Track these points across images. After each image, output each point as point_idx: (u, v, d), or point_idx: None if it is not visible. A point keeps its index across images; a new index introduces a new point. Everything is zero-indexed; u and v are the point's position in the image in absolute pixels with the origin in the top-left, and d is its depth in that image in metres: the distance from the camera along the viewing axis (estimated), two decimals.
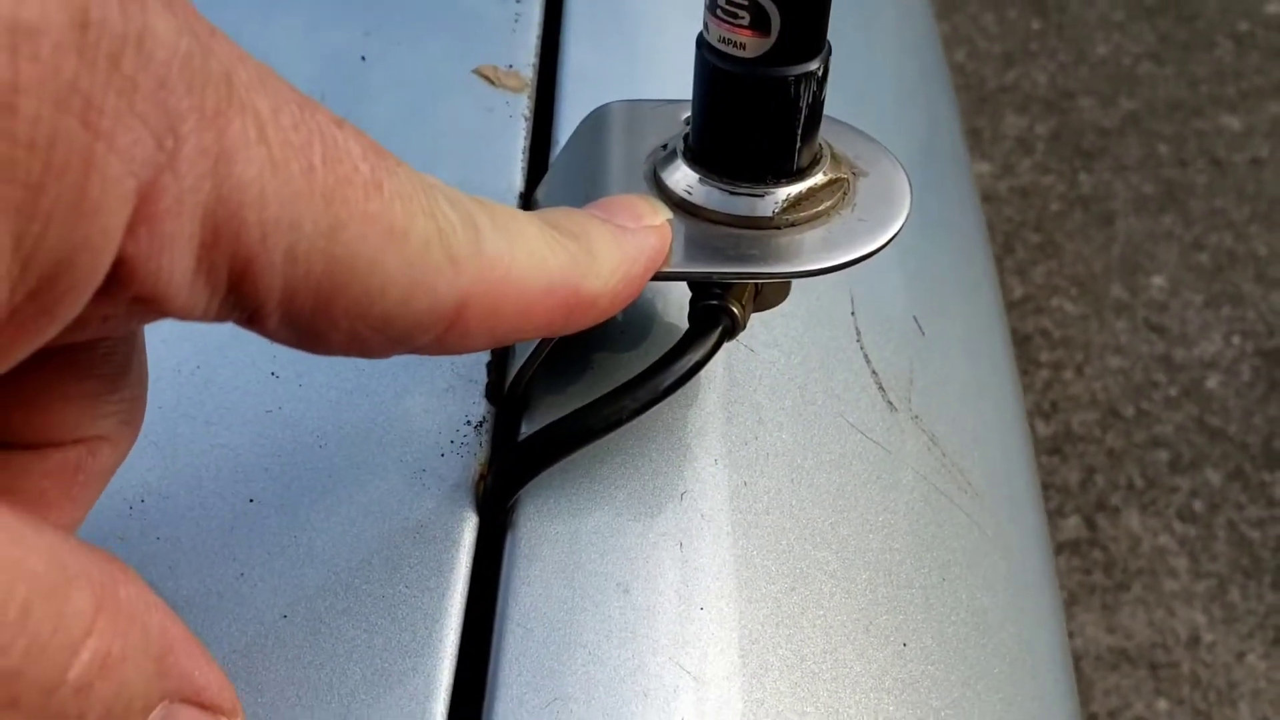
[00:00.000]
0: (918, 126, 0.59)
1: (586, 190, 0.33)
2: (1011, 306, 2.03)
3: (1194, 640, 1.63)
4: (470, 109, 0.39)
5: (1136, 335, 1.98)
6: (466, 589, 0.28)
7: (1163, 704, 1.58)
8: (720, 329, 0.31)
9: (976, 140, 2.32)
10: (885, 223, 0.31)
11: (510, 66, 0.40)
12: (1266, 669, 1.59)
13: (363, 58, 0.40)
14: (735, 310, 0.32)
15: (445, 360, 0.33)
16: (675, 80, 0.41)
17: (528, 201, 0.37)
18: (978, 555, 0.38)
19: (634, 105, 0.36)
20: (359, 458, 0.30)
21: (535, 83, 0.41)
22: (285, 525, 0.28)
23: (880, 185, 0.33)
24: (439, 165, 0.37)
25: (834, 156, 0.32)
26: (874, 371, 0.39)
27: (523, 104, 0.40)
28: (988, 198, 2.22)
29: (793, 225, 0.31)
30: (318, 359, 0.32)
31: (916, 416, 0.40)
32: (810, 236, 0.31)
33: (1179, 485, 1.78)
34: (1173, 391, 1.90)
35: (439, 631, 0.28)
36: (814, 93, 0.30)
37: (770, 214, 0.31)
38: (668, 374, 0.30)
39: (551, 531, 0.30)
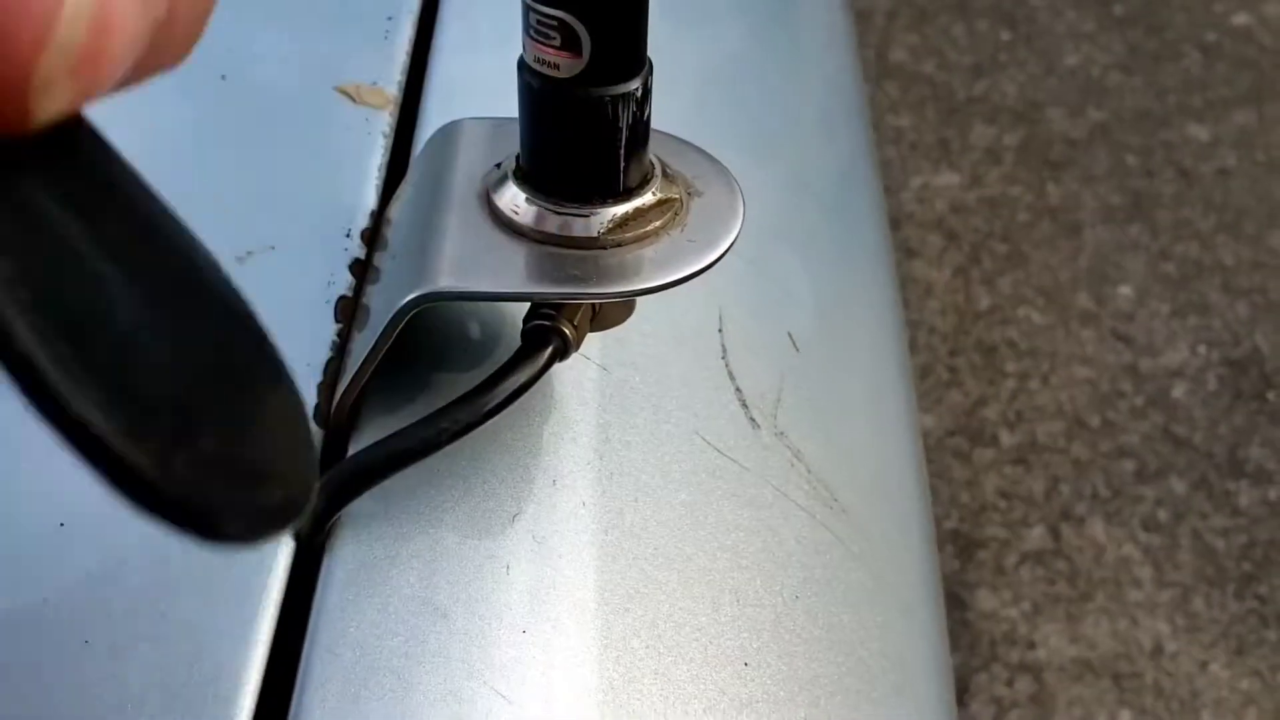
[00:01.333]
0: (826, 147, 0.59)
1: (428, 207, 0.33)
2: (978, 317, 2.03)
3: (1157, 650, 1.63)
4: (331, 127, 0.39)
5: (1103, 345, 1.98)
6: (276, 615, 0.28)
7: (1126, 714, 1.57)
8: (550, 349, 0.31)
9: (945, 151, 2.33)
10: (713, 243, 0.31)
11: (375, 83, 0.40)
12: (1229, 678, 1.59)
13: (222, 76, 0.39)
14: (567, 330, 0.32)
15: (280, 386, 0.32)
16: None
17: (379, 218, 0.37)
18: (839, 573, 0.38)
19: (485, 123, 0.36)
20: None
21: (400, 99, 0.41)
22: (93, 550, 0.28)
23: (714, 205, 0.32)
24: (293, 181, 0.37)
25: (667, 175, 0.32)
26: (738, 389, 0.39)
27: (384, 121, 0.40)
28: (956, 208, 2.22)
29: (619, 245, 0.31)
30: None
31: (781, 433, 0.39)
32: (637, 256, 0.31)
33: (1144, 495, 1.78)
34: (1139, 401, 1.90)
35: (244, 658, 0.27)
36: (634, 112, 0.30)
37: (597, 234, 0.31)
38: (492, 395, 0.30)
39: (370, 556, 0.30)
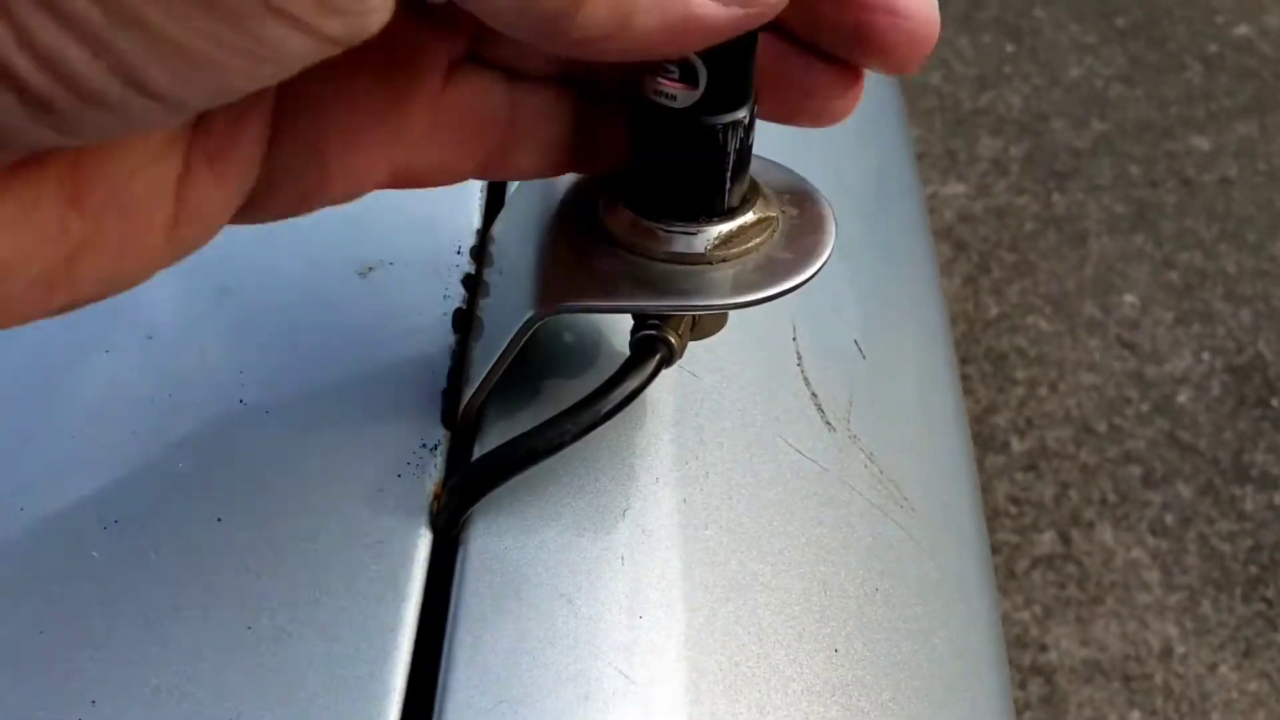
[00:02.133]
0: (870, 158, 0.61)
1: (538, 228, 0.36)
2: (987, 325, 2.06)
3: (1167, 652, 1.65)
4: None
5: (1109, 352, 2.01)
6: (420, 600, 0.31)
7: (1136, 715, 1.60)
8: (658, 357, 0.34)
9: (952, 162, 2.36)
10: (810, 258, 0.34)
11: None
12: (1238, 680, 1.62)
13: None
14: (672, 339, 0.34)
15: (405, 388, 0.35)
16: None
17: (485, 237, 0.40)
18: (911, 566, 0.41)
19: None
20: (321, 479, 0.32)
21: None
22: (251, 542, 0.31)
23: (807, 222, 0.35)
24: (402, 204, 0.40)
25: (764, 196, 0.35)
26: (813, 394, 0.42)
27: None
28: (964, 218, 2.25)
29: (724, 260, 0.33)
30: (283, 384, 0.34)
31: (854, 436, 0.42)
32: (740, 271, 0.33)
33: (1151, 500, 1.81)
34: (1144, 407, 1.93)
35: (394, 640, 0.30)
36: (741, 139, 0.32)
37: (703, 250, 0.33)
38: (608, 400, 0.33)
39: (500, 547, 0.32)
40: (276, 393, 0.34)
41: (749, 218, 0.34)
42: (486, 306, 0.37)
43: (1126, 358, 1.99)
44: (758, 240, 0.34)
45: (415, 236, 0.38)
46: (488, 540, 0.32)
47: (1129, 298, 2.09)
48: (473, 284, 0.38)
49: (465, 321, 0.37)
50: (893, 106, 0.68)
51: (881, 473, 0.42)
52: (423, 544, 0.32)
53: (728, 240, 0.33)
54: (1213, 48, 2.56)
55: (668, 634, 0.32)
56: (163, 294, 0.36)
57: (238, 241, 0.37)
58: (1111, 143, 2.37)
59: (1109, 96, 2.46)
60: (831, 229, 0.35)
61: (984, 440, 1.88)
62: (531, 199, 0.37)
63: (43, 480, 0.32)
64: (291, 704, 0.28)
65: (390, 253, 0.38)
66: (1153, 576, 1.73)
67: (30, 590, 0.30)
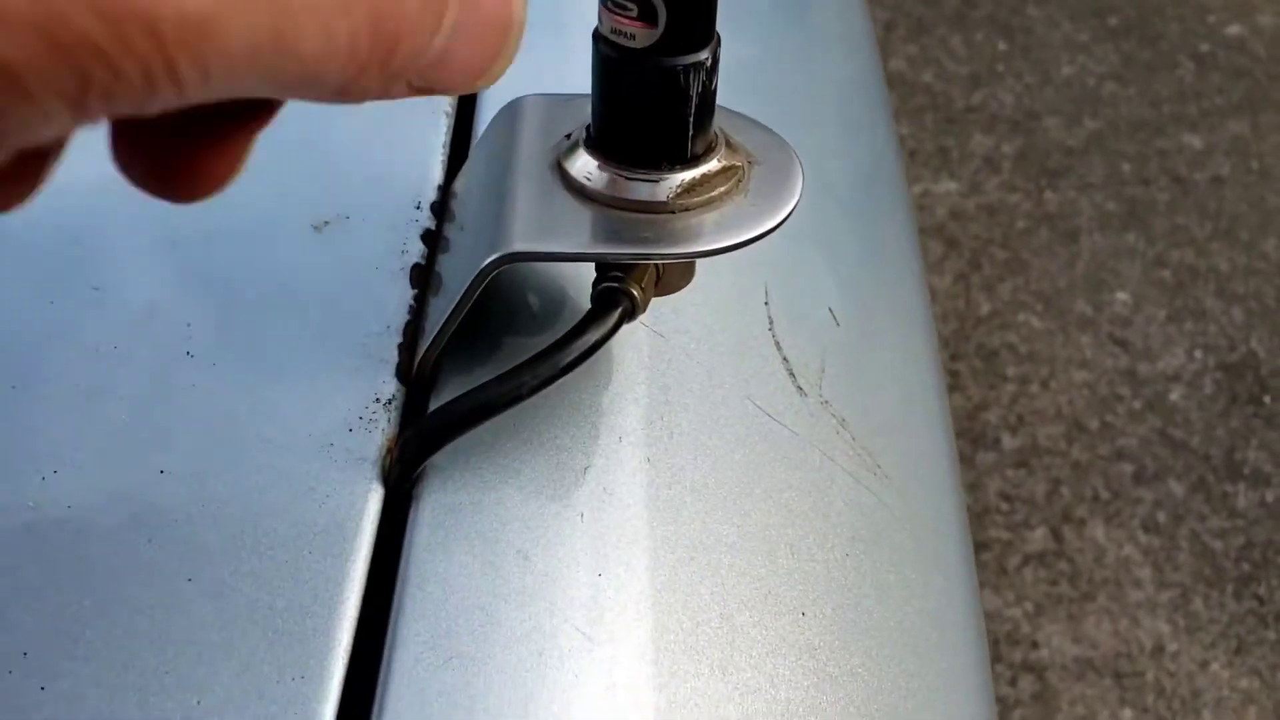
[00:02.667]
0: (853, 132, 0.61)
1: (498, 180, 0.35)
2: (979, 322, 2.05)
3: (1158, 649, 1.64)
4: (394, 105, 0.40)
5: (1101, 350, 2.00)
6: (370, 555, 0.30)
7: (1128, 713, 1.59)
8: (620, 310, 0.33)
9: (945, 160, 2.35)
10: (776, 207, 0.33)
11: None
12: (1229, 677, 1.61)
13: None
14: (635, 292, 0.33)
15: (359, 343, 0.34)
16: None
17: (446, 193, 0.39)
18: (884, 533, 0.40)
19: (547, 99, 0.37)
20: (269, 433, 0.31)
21: None
22: (194, 495, 0.30)
23: (774, 172, 0.34)
24: (364, 157, 0.39)
25: (730, 145, 0.34)
26: (785, 358, 0.41)
27: (445, 101, 0.41)
28: (955, 215, 2.24)
29: (687, 210, 0.32)
30: (232, 338, 0.33)
31: (826, 401, 0.41)
32: (704, 220, 0.32)
33: (1143, 497, 1.80)
34: (1136, 405, 1.92)
35: (340, 594, 0.29)
36: (704, 82, 0.31)
37: (665, 198, 0.32)
38: (567, 352, 0.32)
39: (455, 502, 0.31)
40: (225, 346, 0.33)
41: (713, 166, 0.33)
42: (446, 262, 0.36)
43: (1118, 355, 1.99)
44: (722, 189, 0.33)
45: (373, 190, 0.37)
46: (442, 495, 0.31)
47: (1121, 295, 2.09)
48: (433, 239, 0.37)
49: (424, 277, 0.36)
50: (876, 84, 0.67)
51: (854, 439, 0.41)
52: (374, 498, 0.31)
53: (690, 188, 0.32)
54: (1205, 46, 2.56)
55: (628, 592, 0.31)
56: (111, 247, 0.35)
57: None
58: (1103, 141, 2.36)
59: (1101, 94, 2.46)
60: (799, 179, 0.34)
61: (975, 437, 1.87)
62: (494, 150, 0.36)
63: None
64: (231, 658, 0.27)
65: (347, 207, 0.37)
66: (1144, 574, 1.72)
67: None
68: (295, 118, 0.40)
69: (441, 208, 0.38)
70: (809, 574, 0.35)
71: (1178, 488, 1.80)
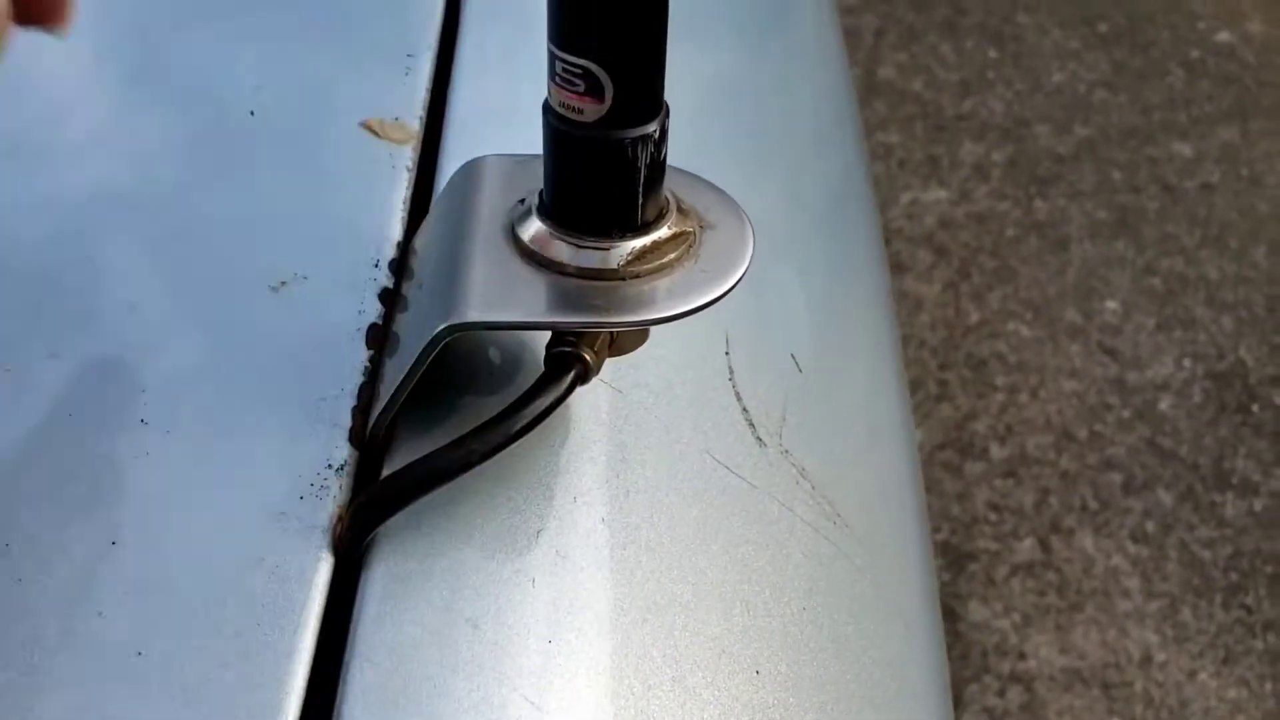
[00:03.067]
0: (823, 179, 0.61)
1: (454, 240, 0.35)
2: (968, 331, 2.06)
3: (1146, 660, 1.65)
4: (355, 160, 0.41)
5: (1090, 359, 2.01)
6: (319, 626, 0.30)
7: None
8: (572, 374, 0.33)
9: (934, 168, 2.36)
10: (726, 273, 0.33)
11: (397, 118, 0.42)
12: (1217, 688, 1.61)
13: (251, 112, 0.41)
14: (588, 356, 0.33)
15: (313, 406, 0.34)
16: None
17: (405, 249, 0.39)
18: (843, 584, 0.40)
19: (505, 159, 0.38)
20: (221, 502, 0.32)
21: (422, 133, 0.43)
22: (144, 566, 0.30)
23: (725, 237, 0.34)
24: (322, 214, 0.39)
25: (681, 210, 0.34)
26: (745, 409, 0.41)
27: (406, 155, 0.42)
28: (945, 224, 2.25)
29: (638, 276, 0.33)
30: (187, 403, 0.34)
31: (786, 451, 0.41)
32: (654, 287, 0.33)
33: (1132, 507, 1.81)
34: (1125, 414, 1.92)
35: (289, 666, 0.29)
36: (652, 153, 0.32)
37: (616, 266, 0.33)
38: (518, 418, 0.32)
39: (405, 570, 0.31)
40: (179, 412, 0.33)
41: (663, 233, 0.33)
42: (404, 321, 0.36)
43: (1107, 364, 1.99)
44: (673, 255, 0.33)
45: (332, 249, 0.38)
46: (392, 563, 0.31)
47: (1110, 304, 2.09)
48: (390, 298, 0.37)
49: (380, 338, 0.36)
50: (849, 123, 0.67)
51: (814, 488, 0.41)
52: (323, 568, 0.31)
53: (641, 255, 0.33)
54: (1195, 54, 2.57)
55: (579, 659, 0.31)
56: (67, 309, 0.35)
57: (145, 252, 0.37)
58: (1094, 148, 2.37)
59: (1091, 102, 2.46)
60: (749, 244, 0.34)
61: (963, 447, 1.87)
62: (452, 209, 0.37)
63: None
64: None
65: (305, 266, 0.37)
66: (1133, 584, 1.73)
67: None
68: (256, 173, 0.41)
69: (400, 266, 0.38)
70: (764, 630, 0.36)
71: (1166, 497, 1.80)
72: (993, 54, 2.55)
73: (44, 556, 0.30)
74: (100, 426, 0.33)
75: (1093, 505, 1.80)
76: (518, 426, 0.32)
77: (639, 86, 0.31)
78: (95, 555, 0.30)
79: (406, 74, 0.44)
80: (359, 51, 0.44)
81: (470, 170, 0.37)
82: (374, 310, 0.37)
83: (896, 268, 2.14)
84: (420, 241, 0.39)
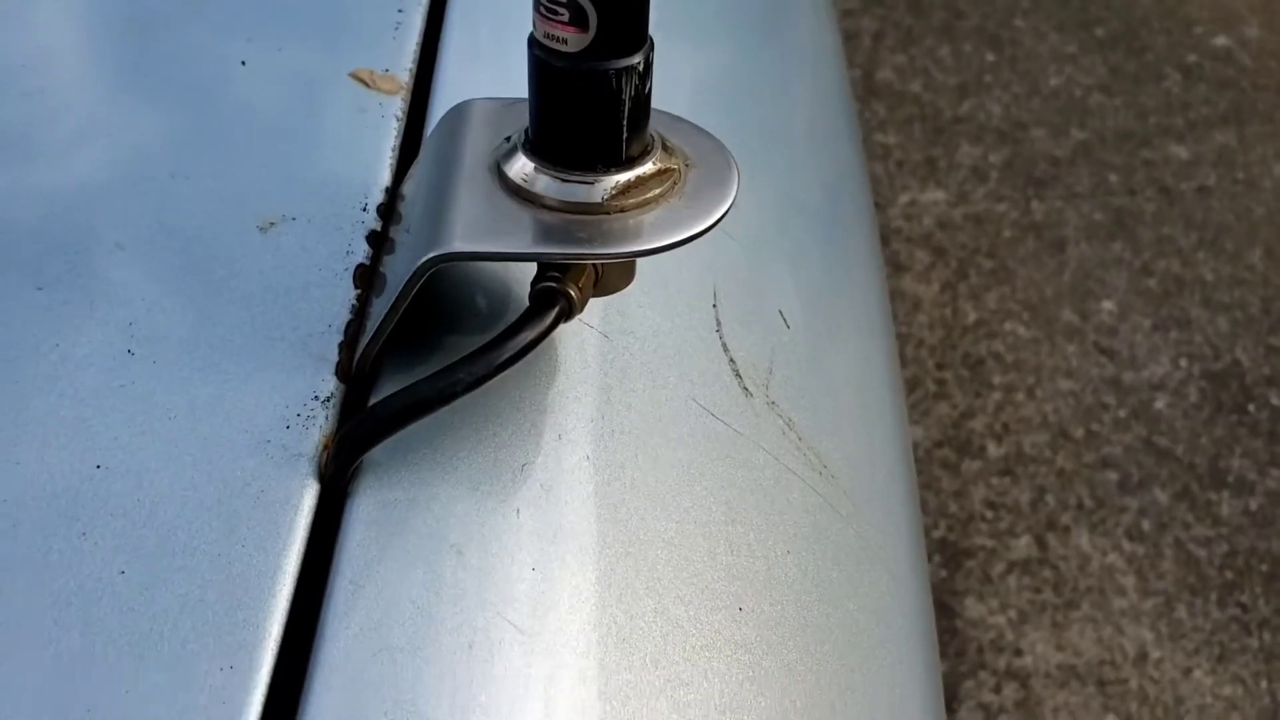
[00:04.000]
0: (816, 143, 0.61)
1: (441, 182, 0.35)
2: (965, 331, 2.06)
3: (1142, 657, 1.65)
4: (345, 110, 0.41)
5: (1086, 358, 2.01)
6: (303, 550, 0.30)
7: None
8: (557, 309, 0.33)
9: (932, 169, 2.36)
10: (710, 208, 0.33)
11: (387, 70, 0.43)
12: (1212, 685, 1.61)
13: (243, 62, 0.42)
14: (572, 291, 0.34)
15: (299, 342, 0.34)
16: None
17: (394, 194, 0.39)
18: (828, 532, 0.40)
19: (491, 102, 0.38)
20: (206, 430, 0.32)
21: (412, 85, 0.43)
22: (129, 490, 0.30)
23: (710, 175, 0.35)
24: (312, 160, 0.39)
25: (666, 148, 0.34)
26: (731, 359, 0.41)
27: (396, 105, 0.42)
28: (943, 225, 2.25)
29: (623, 211, 0.33)
30: (173, 336, 0.34)
31: (773, 403, 0.42)
32: (640, 221, 0.33)
33: (1127, 505, 1.81)
34: (1122, 413, 1.92)
35: (272, 587, 0.29)
36: (636, 85, 0.32)
37: (600, 200, 0.33)
38: (503, 350, 0.32)
39: (390, 498, 0.32)
40: (165, 345, 0.33)
41: (648, 168, 0.33)
42: (390, 263, 0.37)
43: (1104, 364, 1.99)
44: (657, 191, 0.34)
45: (320, 192, 0.38)
46: (378, 491, 0.32)
47: (1107, 304, 2.09)
48: (378, 240, 0.38)
49: (367, 277, 0.37)
50: (842, 97, 0.68)
51: (801, 439, 0.41)
52: (309, 494, 0.31)
53: (625, 190, 0.33)
54: (1191, 58, 2.58)
55: (562, 587, 0.32)
56: (55, 246, 0.36)
57: (134, 194, 0.37)
58: (1090, 151, 2.37)
59: (1088, 105, 2.47)
60: (734, 182, 0.35)
61: (960, 445, 1.87)
62: (439, 152, 0.37)
63: None
64: (162, 648, 0.28)
65: (293, 208, 0.37)
66: (1128, 581, 1.73)
67: None
68: (247, 118, 0.41)
69: (388, 210, 0.39)
70: (748, 570, 0.36)
71: (1162, 496, 1.80)
72: (990, 57, 2.56)
73: (28, 477, 0.30)
74: (86, 357, 0.33)
75: (1089, 504, 1.80)
76: (502, 358, 0.32)
77: (622, 17, 0.31)
78: (80, 478, 0.30)
79: (397, 28, 0.44)
80: (349, 5, 0.45)
81: (457, 113, 0.37)
82: (362, 251, 0.37)
83: (895, 268, 2.14)
84: (408, 187, 0.39)
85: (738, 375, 0.41)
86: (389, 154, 0.40)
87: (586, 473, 0.34)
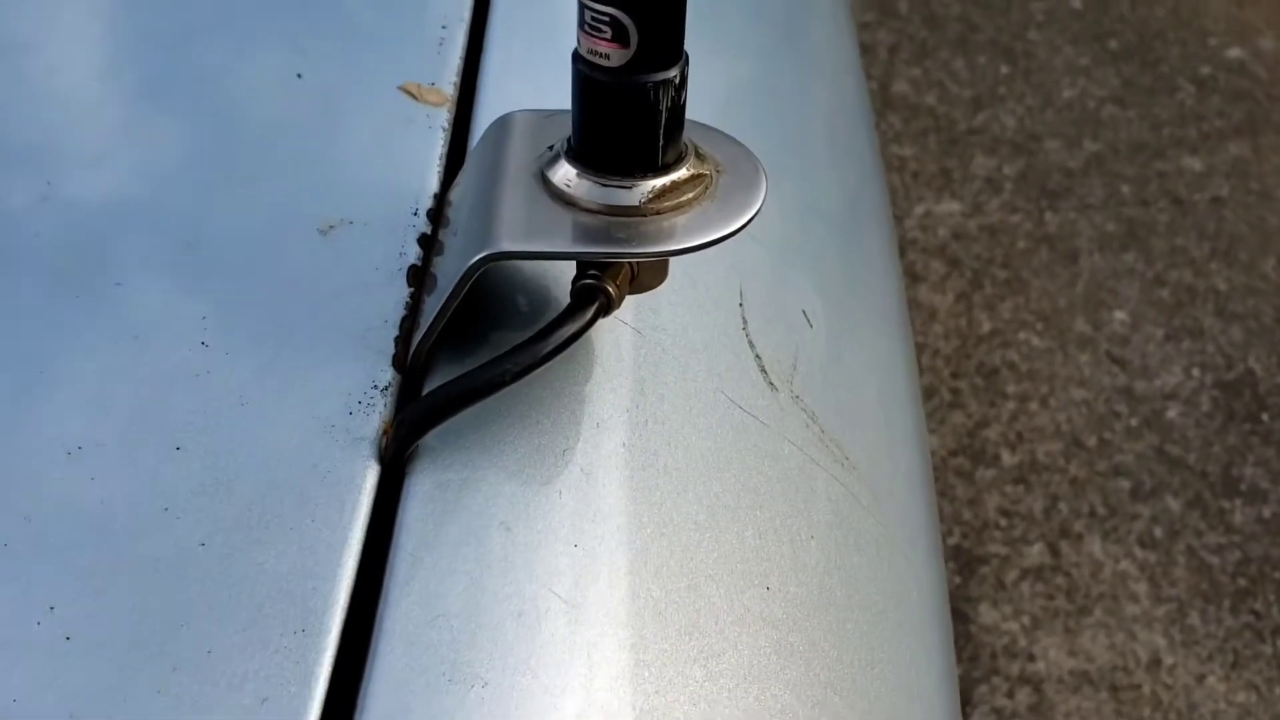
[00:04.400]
0: (838, 152, 0.64)
1: (488, 188, 0.38)
2: (980, 340, 2.08)
3: (1155, 663, 1.66)
4: (395, 120, 0.44)
5: (1099, 368, 2.02)
6: (366, 524, 0.33)
7: None
8: (596, 304, 0.36)
9: (947, 180, 2.38)
10: (741, 211, 0.36)
11: (433, 84, 0.45)
12: (1226, 691, 1.62)
13: (299, 75, 0.44)
14: (610, 288, 0.36)
15: (359, 335, 0.37)
16: None
17: (441, 200, 0.42)
18: (850, 520, 0.43)
19: (533, 114, 0.41)
20: (276, 414, 0.34)
21: (456, 98, 0.46)
22: (207, 469, 0.33)
23: (740, 180, 0.37)
24: (364, 169, 0.42)
25: (699, 155, 0.37)
26: (757, 356, 0.44)
27: (443, 117, 0.45)
28: (957, 236, 2.27)
29: (658, 213, 0.36)
30: (243, 330, 0.37)
31: (797, 397, 0.44)
32: (673, 223, 0.36)
33: (1140, 513, 1.82)
34: (1134, 422, 1.94)
35: (339, 557, 0.32)
36: (673, 97, 0.35)
37: (638, 203, 0.35)
38: (546, 342, 0.35)
39: (444, 479, 0.34)
40: (236, 338, 0.36)
41: (682, 174, 0.36)
42: (440, 263, 0.39)
43: (1116, 373, 2.01)
44: (691, 195, 0.36)
45: (375, 197, 0.41)
46: (432, 473, 0.34)
47: (1119, 314, 2.11)
48: (428, 243, 0.40)
49: (419, 277, 0.39)
50: (861, 106, 0.70)
51: (824, 432, 0.44)
52: (370, 474, 0.34)
53: (661, 194, 0.36)
54: (1205, 70, 2.59)
55: (602, 563, 0.34)
56: (133, 247, 0.38)
57: (204, 198, 0.40)
58: (1104, 162, 2.39)
59: (1101, 117, 2.48)
60: (762, 187, 0.37)
61: (975, 454, 1.89)
62: (485, 161, 0.39)
63: (9, 407, 0.34)
64: (239, 613, 0.30)
65: (351, 212, 0.40)
66: (1141, 588, 1.74)
67: None
68: (304, 129, 0.44)
69: (437, 214, 0.41)
70: (774, 553, 0.38)
71: (1175, 504, 1.81)
72: (1004, 70, 2.58)
73: (112, 458, 0.33)
74: (164, 348, 0.36)
75: (1101, 511, 1.81)
76: (546, 350, 0.35)
77: (661, 34, 0.33)
78: (161, 459, 0.33)
79: (441, 44, 0.47)
80: (395, 23, 0.48)
81: (501, 124, 0.40)
82: (413, 253, 0.40)
83: (911, 278, 2.17)
84: (455, 193, 0.41)
85: (763, 370, 0.44)
86: (436, 162, 0.43)
87: (622, 458, 0.37)
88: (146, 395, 0.35)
